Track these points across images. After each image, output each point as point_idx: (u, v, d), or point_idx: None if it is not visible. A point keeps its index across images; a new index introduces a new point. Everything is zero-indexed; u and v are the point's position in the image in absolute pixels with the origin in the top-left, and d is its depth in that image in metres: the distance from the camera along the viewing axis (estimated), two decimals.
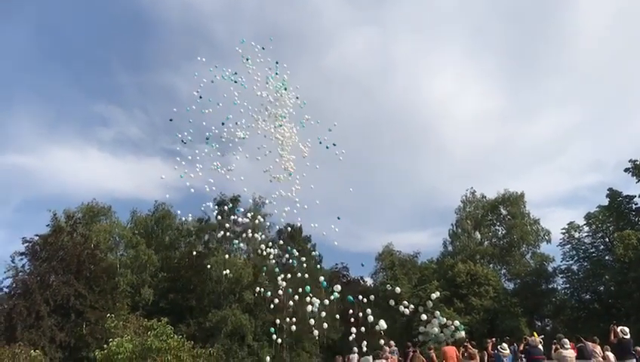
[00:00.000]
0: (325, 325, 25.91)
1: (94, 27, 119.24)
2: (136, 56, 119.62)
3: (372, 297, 25.27)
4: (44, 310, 30.93)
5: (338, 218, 27.86)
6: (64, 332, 31.52)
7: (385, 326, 23.12)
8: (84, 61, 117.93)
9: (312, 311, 23.82)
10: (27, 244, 34.01)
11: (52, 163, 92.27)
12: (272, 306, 26.03)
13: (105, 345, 23.71)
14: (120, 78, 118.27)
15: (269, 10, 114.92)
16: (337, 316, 27.92)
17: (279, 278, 24.58)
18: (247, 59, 24.67)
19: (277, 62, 25.41)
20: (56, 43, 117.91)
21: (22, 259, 33.88)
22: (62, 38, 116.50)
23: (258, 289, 31.09)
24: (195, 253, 41.24)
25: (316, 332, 25.31)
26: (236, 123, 24.39)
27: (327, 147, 24.95)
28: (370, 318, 23.20)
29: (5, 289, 32.62)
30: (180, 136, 24.61)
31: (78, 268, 34.00)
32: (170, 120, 28.64)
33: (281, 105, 24.75)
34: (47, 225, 37.06)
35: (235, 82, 24.59)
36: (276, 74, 25.18)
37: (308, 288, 23.99)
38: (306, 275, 25.71)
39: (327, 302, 23.76)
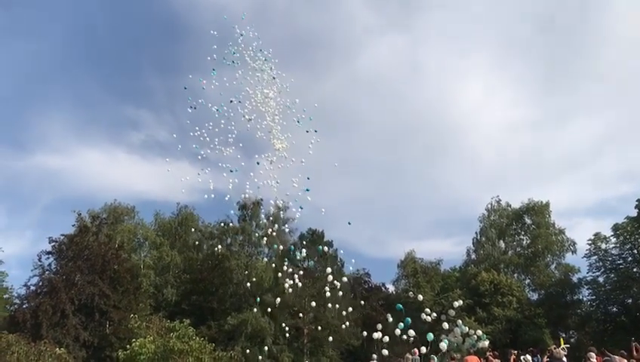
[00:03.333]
0: None
1: (126, 31, 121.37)
2: (167, 60, 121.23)
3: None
4: (69, 309, 31.39)
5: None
6: (88, 331, 31.93)
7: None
8: (116, 65, 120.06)
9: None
10: (54, 244, 34.66)
11: (81, 164, 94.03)
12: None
13: (128, 346, 24.05)
14: (150, 82, 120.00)
15: (300, 16, 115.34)
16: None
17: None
18: (242, 35, 26.18)
19: (260, 50, 26.63)
20: (89, 46, 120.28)
21: (48, 258, 34.57)
22: (94, 42, 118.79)
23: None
24: (218, 255, 41.49)
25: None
26: (239, 101, 25.87)
27: (303, 126, 26.30)
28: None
29: (32, 288, 33.23)
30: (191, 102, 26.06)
31: (103, 268, 34.44)
32: (185, 88, 29.68)
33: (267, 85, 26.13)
34: (73, 225, 37.75)
35: (236, 63, 25.81)
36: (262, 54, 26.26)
37: None
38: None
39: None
